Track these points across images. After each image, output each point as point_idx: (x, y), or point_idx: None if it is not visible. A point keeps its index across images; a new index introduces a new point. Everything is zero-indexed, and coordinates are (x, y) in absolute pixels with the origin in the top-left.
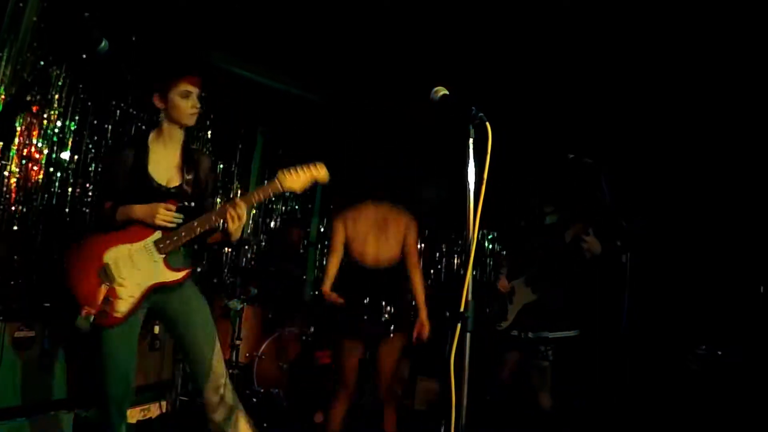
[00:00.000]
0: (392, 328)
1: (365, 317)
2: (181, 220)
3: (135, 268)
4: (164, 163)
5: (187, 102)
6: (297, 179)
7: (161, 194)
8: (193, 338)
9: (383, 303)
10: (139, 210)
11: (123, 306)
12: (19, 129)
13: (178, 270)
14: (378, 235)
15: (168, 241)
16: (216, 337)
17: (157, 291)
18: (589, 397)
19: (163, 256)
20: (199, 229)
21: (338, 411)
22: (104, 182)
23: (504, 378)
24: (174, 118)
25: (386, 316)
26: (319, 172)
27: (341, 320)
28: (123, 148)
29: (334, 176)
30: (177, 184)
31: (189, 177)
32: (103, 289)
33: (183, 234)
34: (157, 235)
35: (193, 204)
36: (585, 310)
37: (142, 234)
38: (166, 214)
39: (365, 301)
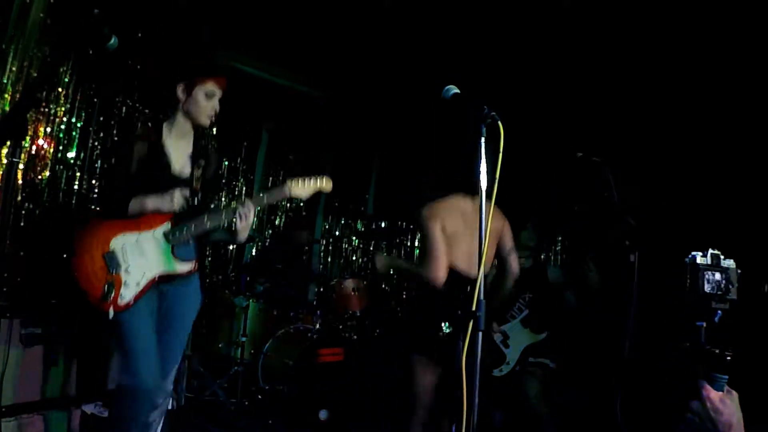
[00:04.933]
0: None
1: (443, 333)
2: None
3: (142, 257)
4: (177, 154)
5: (208, 102)
6: (304, 188)
7: (176, 183)
8: (165, 343)
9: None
10: (152, 201)
11: (128, 293)
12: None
13: (187, 261)
14: (472, 235)
15: (177, 233)
16: (182, 349)
17: (165, 280)
18: (594, 402)
19: (171, 246)
20: (209, 224)
21: None
22: (118, 172)
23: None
24: (191, 114)
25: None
26: (324, 185)
27: (415, 333)
28: (136, 139)
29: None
30: (188, 175)
31: (198, 173)
32: (108, 275)
33: (193, 227)
34: (167, 225)
35: (197, 199)
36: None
37: (152, 223)
38: (180, 199)
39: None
